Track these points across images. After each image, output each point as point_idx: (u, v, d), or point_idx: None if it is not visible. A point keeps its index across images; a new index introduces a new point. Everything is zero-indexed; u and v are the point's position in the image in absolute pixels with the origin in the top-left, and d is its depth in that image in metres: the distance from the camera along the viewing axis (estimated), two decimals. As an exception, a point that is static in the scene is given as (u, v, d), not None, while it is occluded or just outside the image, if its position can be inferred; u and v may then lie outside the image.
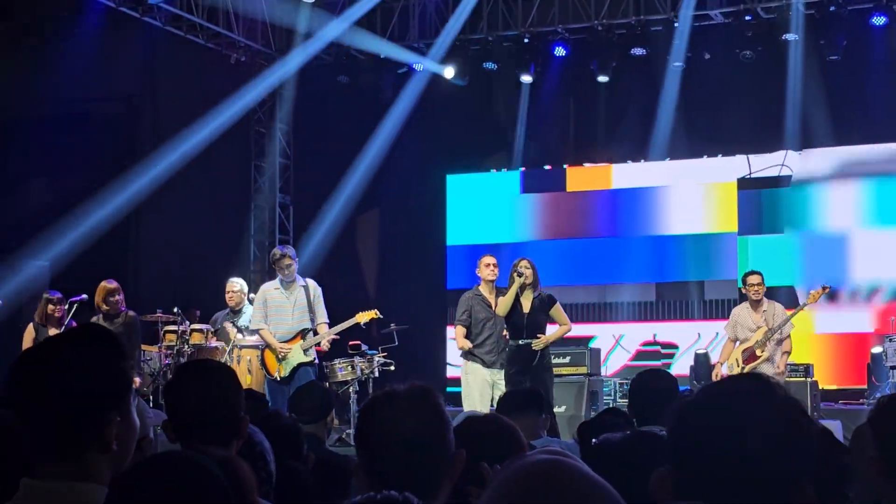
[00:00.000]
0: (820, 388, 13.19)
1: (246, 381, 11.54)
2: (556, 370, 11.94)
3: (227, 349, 12.79)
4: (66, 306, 12.16)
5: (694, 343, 16.35)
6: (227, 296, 13.37)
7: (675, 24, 15.77)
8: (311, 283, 12.07)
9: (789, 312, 11.96)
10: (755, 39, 15.55)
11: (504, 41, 16.75)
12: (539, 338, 11.03)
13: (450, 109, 17.43)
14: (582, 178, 17.79)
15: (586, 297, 17.24)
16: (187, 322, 13.27)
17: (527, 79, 16.77)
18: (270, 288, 12.07)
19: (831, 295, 14.64)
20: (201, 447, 2.95)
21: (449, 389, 17.28)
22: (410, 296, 17.55)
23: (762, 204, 16.68)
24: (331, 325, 12.11)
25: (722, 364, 12.14)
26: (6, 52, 16.03)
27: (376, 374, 13.64)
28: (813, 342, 15.63)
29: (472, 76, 16.96)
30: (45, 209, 15.63)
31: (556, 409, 11.34)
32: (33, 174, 16.25)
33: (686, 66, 16.03)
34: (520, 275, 11.07)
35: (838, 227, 16.15)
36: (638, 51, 16.11)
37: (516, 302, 11.11)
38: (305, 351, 11.81)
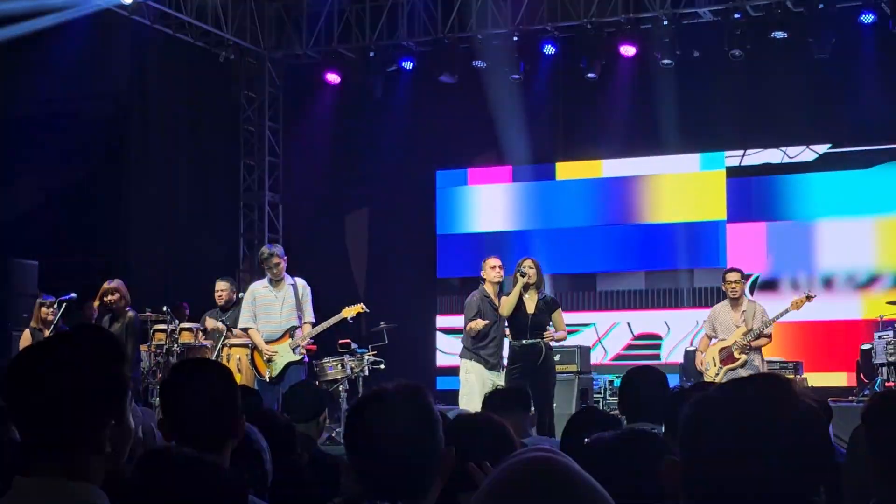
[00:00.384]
0: (809, 385, 13.22)
1: (236, 379, 11.50)
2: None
3: (216, 347, 12.77)
4: (56, 306, 12.16)
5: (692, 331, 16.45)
6: (216, 295, 13.36)
7: (664, 22, 15.79)
8: (301, 281, 12.05)
9: (767, 317, 11.75)
10: (744, 37, 15.57)
11: (493, 39, 16.75)
12: (544, 336, 10.99)
13: (439, 107, 17.44)
14: (571, 174, 17.85)
15: (577, 286, 17.26)
16: (177, 321, 13.25)
17: (516, 77, 16.77)
18: (259, 287, 12.05)
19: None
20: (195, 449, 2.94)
21: (439, 379, 17.39)
22: (400, 293, 17.55)
23: (752, 192, 16.77)
24: (318, 324, 12.09)
25: (702, 352, 12.01)
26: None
27: (366, 373, 13.64)
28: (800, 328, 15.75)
29: (462, 74, 16.96)
30: (35, 208, 15.61)
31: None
32: (22, 173, 16.22)
33: (675, 64, 16.04)
34: (523, 275, 11.04)
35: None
36: (627, 49, 16.12)
37: (520, 302, 11.07)
38: (294, 350, 11.78)
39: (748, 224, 16.75)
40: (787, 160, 16.62)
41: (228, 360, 12.39)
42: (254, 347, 12.03)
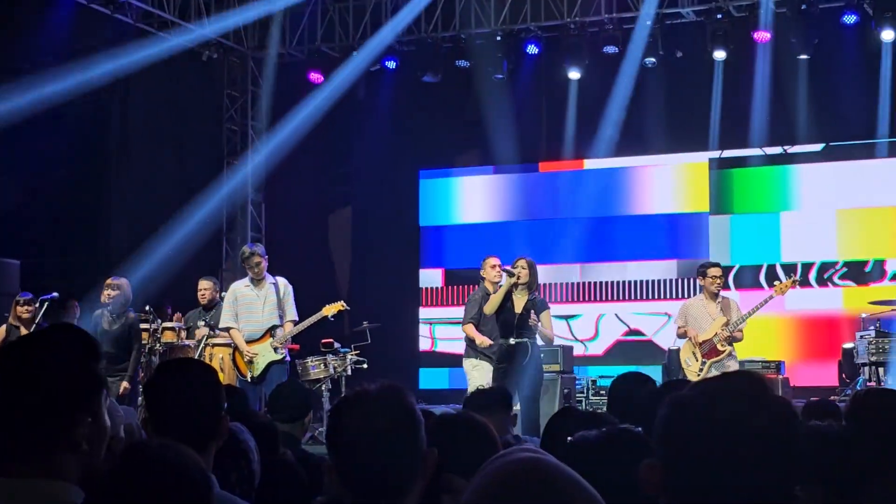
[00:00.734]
0: (791, 385, 13.25)
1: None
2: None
3: (199, 347, 12.74)
4: (38, 304, 12.11)
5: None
6: (199, 294, 13.34)
7: (647, 22, 15.81)
8: (282, 280, 11.99)
9: (741, 312, 11.64)
10: (727, 37, 15.61)
11: (477, 39, 16.76)
12: (529, 322, 10.96)
13: (422, 107, 17.44)
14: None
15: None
16: (159, 320, 13.22)
17: (499, 76, 16.77)
18: (240, 286, 12.01)
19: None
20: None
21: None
22: (383, 292, 17.55)
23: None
24: (301, 321, 12.04)
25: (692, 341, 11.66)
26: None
27: (349, 372, 13.63)
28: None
29: (445, 74, 16.96)
30: (16, 207, 15.54)
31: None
32: (3, 172, 16.14)
33: (658, 64, 16.07)
34: (511, 274, 11.02)
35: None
36: (610, 49, 16.14)
37: (510, 300, 11.05)
38: (276, 349, 11.71)
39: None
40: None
41: (211, 360, 12.37)
42: (236, 348, 11.98)
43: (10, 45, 15.39)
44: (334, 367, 13.51)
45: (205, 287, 13.34)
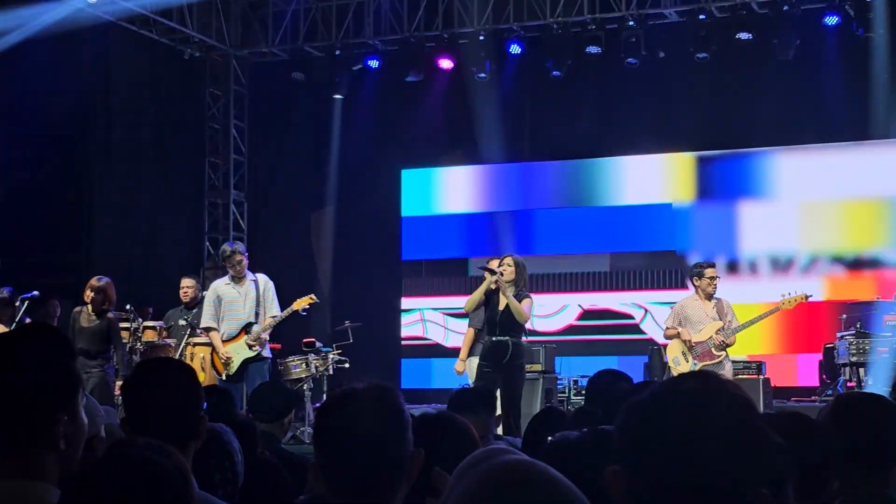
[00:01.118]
0: (772, 385, 13.25)
1: (200, 378, 11.42)
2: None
3: (180, 346, 12.72)
4: (18, 303, 12.07)
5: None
6: (182, 292, 13.33)
7: (630, 23, 15.84)
8: (263, 277, 11.91)
9: (736, 322, 11.44)
10: (709, 38, 15.64)
11: (460, 38, 16.77)
12: (512, 336, 10.88)
13: (405, 106, 17.45)
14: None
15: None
16: (140, 319, 13.19)
17: (482, 76, 16.78)
18: (221, 284, 11.94)
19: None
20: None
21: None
22: (365, 291, 17.55)
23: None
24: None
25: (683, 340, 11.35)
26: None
27: (331, 372, 13.61)
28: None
29: (428, 73, 16.96)
30: (-3, 204, 15.49)
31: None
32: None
33: (641, 65, 16.10)
34: (492, 272, 10.95)
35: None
36: (593, 49, 16.16)
37: (494, 298, 10.93)
38: (250, 346, 11.61)
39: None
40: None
41: (192, 359, 12.34)
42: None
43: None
44: (316, 367, 13.49)
45: (188, 285, 13.33)
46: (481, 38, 16.63)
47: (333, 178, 18.31)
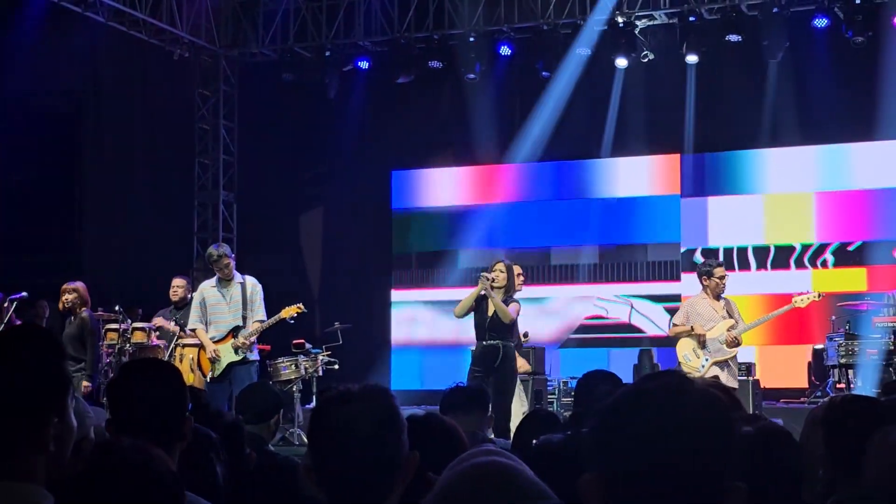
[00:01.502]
0: (762, 387, 13.26)
1: (189, 379, 11.43)
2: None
3: (169, 347, 12.71)
4: (7, 304, 12.05)
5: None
6: (172, 291, 13.32)
7: (620, 25, 15.84)
8: (250, 280, 11.89)
9: (767, 313, 11.37)
10: (699, 40, 15.66)
11: (450, 40, 16.76)
12: (501, 340, 10.86)
13: (395, 108, 17.43)
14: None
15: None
16: (129, 320, 13.17)
17: (472, 77, 16.77)
18: (207, 286, 11.92)
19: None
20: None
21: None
22: (354, 293, 17.55)
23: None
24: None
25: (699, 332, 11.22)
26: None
27: (320, 373, 13.61)
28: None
29: (418, 74, 16.96)
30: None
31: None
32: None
33: (631, 66, 16.11)
34: (486, 279, 10.96)
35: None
36: (583, 50, 16.16)
37: (484, 303, 10.94)
38: (236, 350, 11.59)
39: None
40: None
41: (181, 360, 12.31)
42: (202, 348, 11.89)
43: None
44: (305, 368, 13.48)
45: (178, 284, 13.34)
46: (472, 39, 16.63)
47: (323, 179, 18.29)
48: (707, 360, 11.12)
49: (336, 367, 13.70)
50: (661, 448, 1.78)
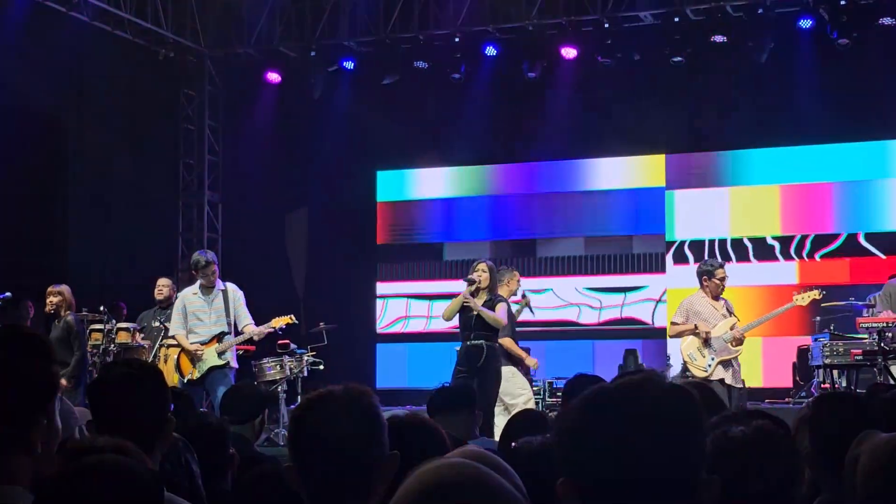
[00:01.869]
0: (747, 386, 13.26)
1: (173, 379, 11.41)
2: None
3: (154, 347, 12.68)
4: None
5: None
6: (157, 290, 13.31)
7: (605, 25, 15.86)
8: (231, 286, 11.85)
9: (770, 311, 11.38)
10: (684, 41, 15.68)
11: (435, 40, 16.76)
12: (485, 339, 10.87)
13: (380, 108, 17.41)
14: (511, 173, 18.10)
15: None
16: (114, 321, 13.14)
17: (457, 77, 16.77)
18: (189, 293, 11.88)
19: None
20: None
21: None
22: (339, 293, 17.52)
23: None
24: (256, 325, 11.91)
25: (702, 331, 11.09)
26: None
27: (305, 374, 13.58)
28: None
29: (403, 75, 16.95)
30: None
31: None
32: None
33: (616, 67, 16.12)
34: (471, 282, 10.95)
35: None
36: (568, 51, 16.17)
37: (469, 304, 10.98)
38: (220, 354, 11.57)
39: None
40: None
41: (166, 361, 12.29)
42: (181, 350, 11.85)
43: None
44: (290, 369, 13.46)
45: (163, 284, 13.36)
46: (457, 39, 16.63)
47: (308, 180, 18.27)
48: (713, 359, 11.03)
49: (321, 367, 13.69)
50: (627, 448, 1.77)
